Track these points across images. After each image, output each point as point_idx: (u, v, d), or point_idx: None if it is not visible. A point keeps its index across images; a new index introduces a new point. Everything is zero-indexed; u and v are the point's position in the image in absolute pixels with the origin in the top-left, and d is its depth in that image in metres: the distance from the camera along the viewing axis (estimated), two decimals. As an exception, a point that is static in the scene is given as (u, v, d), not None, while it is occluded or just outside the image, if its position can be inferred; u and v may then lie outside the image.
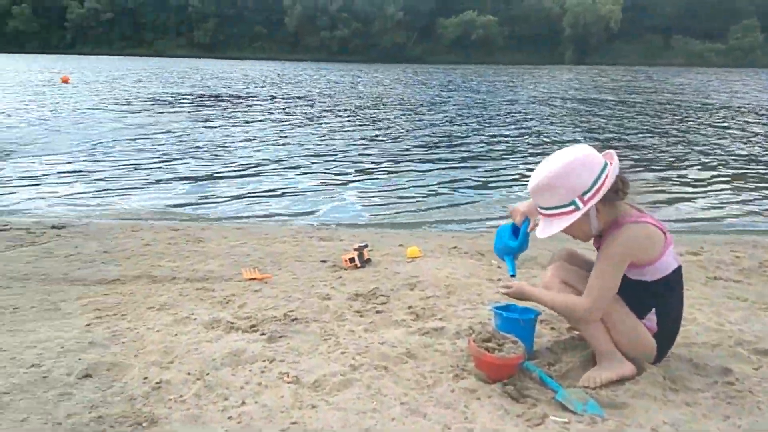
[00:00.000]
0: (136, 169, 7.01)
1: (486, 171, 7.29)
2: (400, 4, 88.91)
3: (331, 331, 2.28)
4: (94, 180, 6.40)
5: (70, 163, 7.29)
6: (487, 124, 12.07)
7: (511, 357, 1.82)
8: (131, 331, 2.25)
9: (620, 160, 1.86)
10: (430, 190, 6.24)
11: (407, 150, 8.78)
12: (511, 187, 6.46)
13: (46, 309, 2.54)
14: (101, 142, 8.80)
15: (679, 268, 1.91)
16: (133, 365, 1.94)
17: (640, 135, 10.68)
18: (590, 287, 1.85)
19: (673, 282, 1.91)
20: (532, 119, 13.12)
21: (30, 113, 12.02)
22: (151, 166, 7.25)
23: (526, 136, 10.34)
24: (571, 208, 1.80)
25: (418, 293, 2.79)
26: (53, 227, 4.28)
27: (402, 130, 10.90)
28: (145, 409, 1.65)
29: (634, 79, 35.33)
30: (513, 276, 2.09)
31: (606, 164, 1.82)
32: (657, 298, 1.91)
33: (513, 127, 11.72)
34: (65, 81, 22.49)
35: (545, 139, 10.01)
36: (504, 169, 7.46)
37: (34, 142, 8.71)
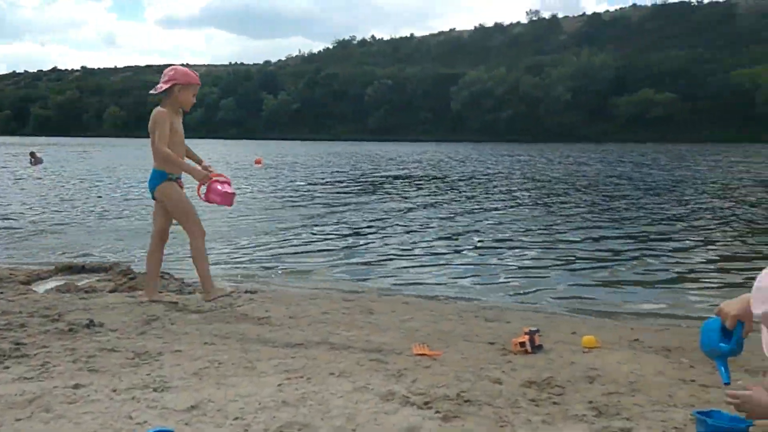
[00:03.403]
0: (315, 240, 7.65)
1: (667, 258, 6.68)
2: (568, 85, 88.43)
3: (507, 418, 2.22)
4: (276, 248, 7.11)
5: (266, 234, 8.20)
6: (667, 207, 11.18)
7: (720, 472, 1.61)
8: (317, 395, 2.41)
9: None
10: (604, 277, 5.88)
11: (568, 230, 8.43)
12: (698, 278, 5.82)
13: (245, 366, 2.83)
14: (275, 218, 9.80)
15: None
16: (320, 428, 2.07)
17: None
18: None
19: None
20: (721, 203, 11.87)
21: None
22: (331, 238, 7.87)
23: (715, 221, 9.35)
24: None
25: (598, 387, 2.61)
26: (247, 291, 4.80)
27: (561, 209, 10.54)
28: (333, 473, 1.74)
29: None
30: (727, 384, 1.87)
31: None
32: None
33: (697, 210, 10.69)
34: (258, 163, 25.75)
35: (739, 227, 8.95)
36: (688, 257, 6.77)
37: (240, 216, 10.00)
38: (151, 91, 3.96)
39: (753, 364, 2.87)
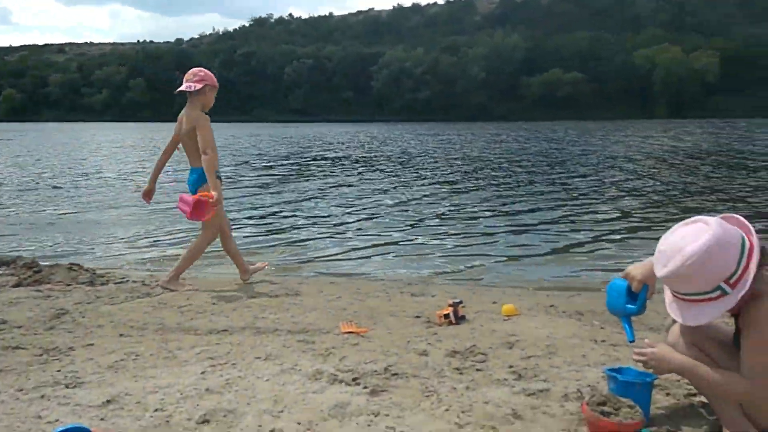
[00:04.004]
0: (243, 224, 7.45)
1: (577, 228, 7.07)
2: (483, 65, 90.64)
3: (432, 388, 2.27)
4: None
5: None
6: (565, 181, 11.79)
7: (629, 422, 1.73)
8: (242, 380, 2.36)
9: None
10: (515, 247, 6.13)
11: (495, 206, 8.73)
12: (599, 247, 6.17)
13: (164, 357, 2.72)
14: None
15: None
16: (246, 413, 2.03)
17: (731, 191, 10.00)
18: (749, 369, 1.70)
19: None
20: (613, 174, 12.67)
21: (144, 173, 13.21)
22: (257, 222, 7.69)
23: (617, 194, 9.98)
24: (717, 294, 1.65)
25: (518, 352, 2.73)
26: (166, 280, 4.60)
27: (477, 187, 10.88)
28: (261, 456, 1.71)
29: (724, 132, 33.38)
30: (632, 341, 2.00)
31: (743, 238, 1.68)
32: None
33: (600, 183, 11.36)
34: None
35: (627, 195, 9.59)
36: (596, 225, 7.19)
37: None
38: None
39: (656, 322, 3.10)
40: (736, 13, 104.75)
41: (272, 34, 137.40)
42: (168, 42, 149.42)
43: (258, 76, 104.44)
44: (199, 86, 4.09)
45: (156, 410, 2.07)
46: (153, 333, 3.17)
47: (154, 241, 6.63)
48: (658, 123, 54.71)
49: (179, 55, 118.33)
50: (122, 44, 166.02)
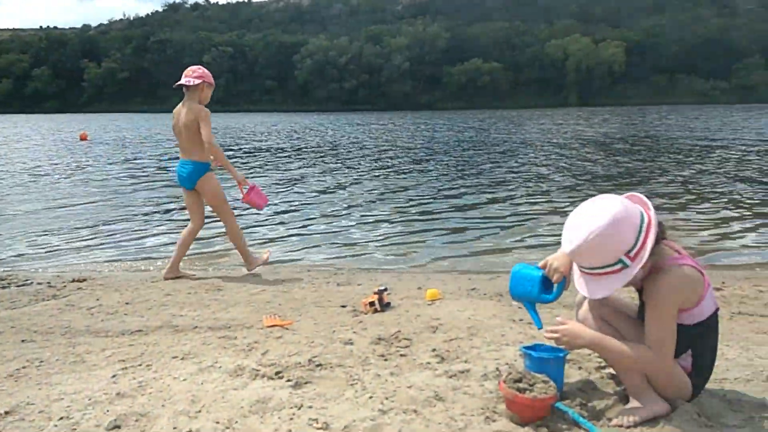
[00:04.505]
0: (147, 222, 7.12)
1: (496, 213, 7.28)
2: (407, 55, 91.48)
3: (357, 376, 2.26)
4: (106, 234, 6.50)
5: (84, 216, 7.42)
6: (494, 168, 12.14)
7: (543, 397, 1.79)
8: (157, 381, 2.25)
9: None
10: (443, 233, 6.24)
11: (416, 194, 8.83)
12: (523, 231, 6.38)
13: (72, 362, 2.56)
14: (111, 197, 8.98)
15: (717, 310, 1.89)
16: (161, 415, 1.93)
17: (644, 172, 10.69)
18: (653, 341, 1.80)
19: (712, 324, 1.87)
20: (538, 161, 13.19)
21: (54, 169, 12.34)
22: (166, 218, 7.37)
23: (532, 179, 10.38)
24: (618, 267, 1.75)
25: (440, 336, 2.77)
26: (74, 280, 4.33)
27: (409, 175, 11.00)
28: (176, 459, 1.63)
29: (629, 118, 35.61)
30: (541, 329, 2.05)
31: (643, 214, 1.78)
32: (694, 341, 1.87)
33: (517, 168, 11.78)
34: (83, 138, 23.23)
35: (552, 180, 10.03)
36: (515, 211, 7.43)
37: (54, 195, 8.91)
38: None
39: (569, 300, 3.24)
40: (640, 4, 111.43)
41: (188, 20, 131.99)
42: (74, 28, 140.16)
43: (174, 65, 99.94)
44: (197, 82, 4.29)
45: (61, 419, 1.94)
46: (59, 337, 2.97)
47: (60, 240, 6.20)
48: (576, 111, 57.32)
49: (87, 42, 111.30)
50: (23, 30, 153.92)
